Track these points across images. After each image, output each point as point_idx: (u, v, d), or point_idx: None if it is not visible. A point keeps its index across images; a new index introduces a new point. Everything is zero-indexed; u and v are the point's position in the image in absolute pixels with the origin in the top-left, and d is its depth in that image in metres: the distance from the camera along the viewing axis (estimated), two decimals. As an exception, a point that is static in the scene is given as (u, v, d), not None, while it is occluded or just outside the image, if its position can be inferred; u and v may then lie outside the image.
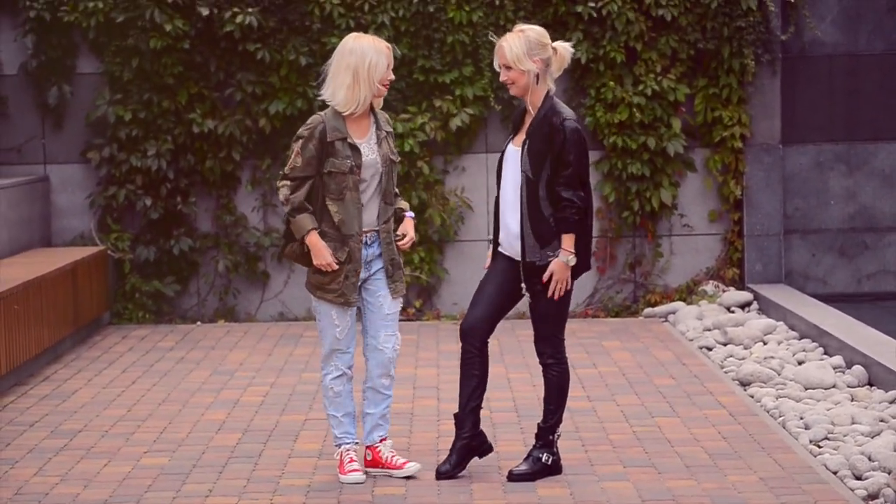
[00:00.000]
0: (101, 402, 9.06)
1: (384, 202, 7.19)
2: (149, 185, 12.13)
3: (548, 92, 7.05)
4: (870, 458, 7.20)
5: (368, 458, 7.31)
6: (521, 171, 7.00)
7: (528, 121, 7.05)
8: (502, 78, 7.04)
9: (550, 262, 7.00)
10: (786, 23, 12.39)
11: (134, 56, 12.08)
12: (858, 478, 7.03)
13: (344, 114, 7.07)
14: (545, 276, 6.99)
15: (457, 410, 7.25)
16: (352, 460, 7.16)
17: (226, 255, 12.30)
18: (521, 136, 7.05)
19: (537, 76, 7.00)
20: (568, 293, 7.12)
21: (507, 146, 7.13)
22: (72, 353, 10.75)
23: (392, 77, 7.13)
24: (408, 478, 7.21)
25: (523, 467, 7.15)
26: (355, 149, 7.07)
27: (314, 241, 7.07)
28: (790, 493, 6.79)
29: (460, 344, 7.25)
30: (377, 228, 7.18)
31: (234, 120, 12.13)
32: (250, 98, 12.16)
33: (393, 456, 7.31)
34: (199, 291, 12.42)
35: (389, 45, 7.18)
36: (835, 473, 7.14)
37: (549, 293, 7.01)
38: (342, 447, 7.20)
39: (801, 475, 7.09)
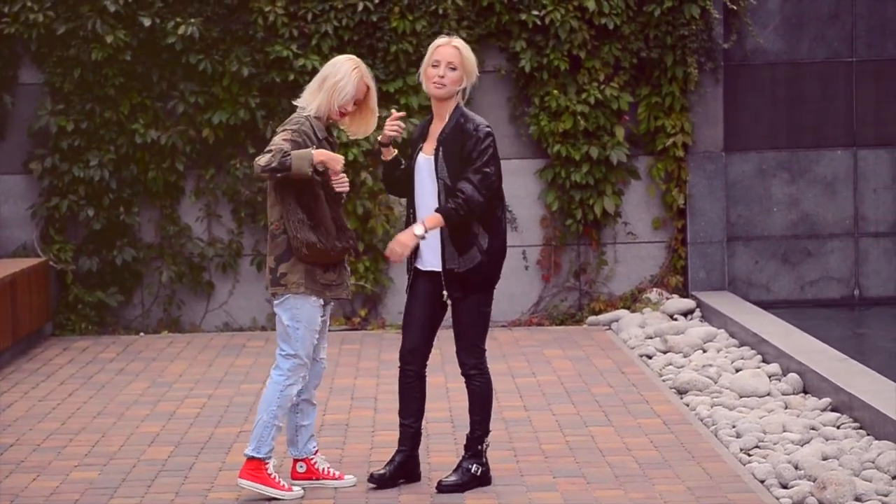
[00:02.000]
0: (36, 416, 9.01)
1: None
2: (91, 195, 12.09)
3: (458, 103, 7.08)
4: (796, 467, 7.23)
5: (301, 470, 7.29)
6: (439, 178, 7.01)
7: (437, 129, 7.08)
8: (440, 73, 6.99)
9: (471, 268, 7.00)
10: (728, 31, 12.45)
11: (76, 66, 12.04)
12: (784, 486, 7.06)
13: (316, 115, 7.08)
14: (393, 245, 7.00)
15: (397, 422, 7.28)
16: (279, 476, 7.12)
17: (169, 265, 12.27)
18: (432, 145, 7.07)
19: (463, 89, 7.05)
20: (489, 304, 7.11)
21: (416, 156, 7.13)
22: (10, 365, 10.69)
23: (350, 109, 7.11)
24: (335, 489, 7.20)
25: (452, 478, 7.15)
26: (335, 147, 7.16)
27: (322, 153, 6.96)
28: (716, 502, 6.82)
29: (399, 366, 7.26)
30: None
31: (176, 130, 12.11)
32: (193, 108, 12.13)
33: (328, 467, 7.31)
34: (143, 302, 12.38)
35: (370, 83, 7.13)
36: (762, 482, 7.17)
37: (386, 253, 7.01)
38: (272, 462, 7.14)
39: (728, 484, 7.11)
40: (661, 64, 12.27)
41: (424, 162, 7.09)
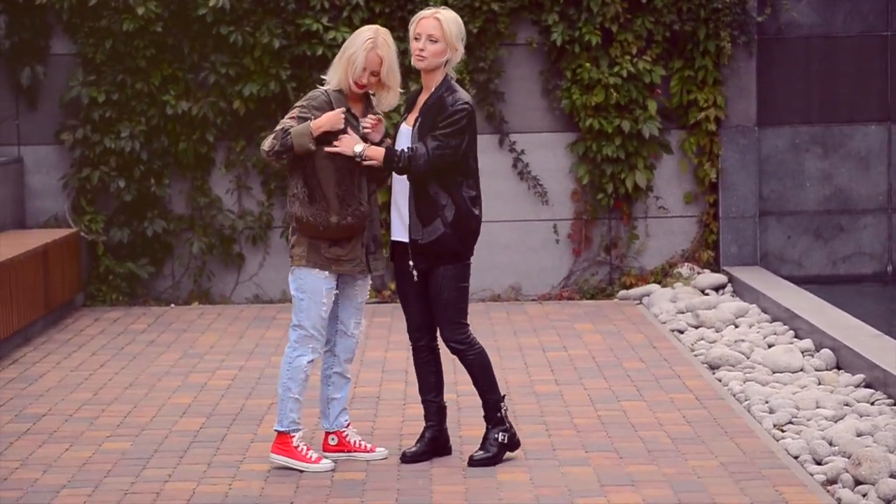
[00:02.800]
0: (68, 386, 9.03)
1: (368, 179, 7.16)
2: (122, 166, 12.09)
3: (446, 75, 7.02)
4: (830, 443, 7.20)
5: (333, 442, 7.29)
6: (409, 147, 6.97)
7: (422, 100, 7.05)
8: (420, 46, 6.95)
9: (433, 239, 6.96)
10: (762, 4, 12.35)
11: (107, 37, 12.03)
12: (819, 462, 7.03)
13: (335, 88, 7.05)
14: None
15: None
16: (309, 448, 7.12)
17: (200, 237, 12.27)
18: (414, 115, 7.04)
19: (448, 60, 6.98)
20: (464, 279, 7.07)
21: (399, 126, 7.10)
22: (42, 335, 10.71)
23: (365, 81, 7.05)
24: (367, 462, 7.20)
25: (482, 453, 7.14)
26: (357, 120, 7.07)
27: (319, 120, 6.92)
28: (749, 477, 6.79)
29: (410, 344, 7.26)
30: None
31: (207, 102, 12.09)
32: (224, 80, 12.11)
33: (360, 440, 7.31)
34: (173, 273, 12.39)
35: (383, 53, 7.04)
36: (796, 458, 7.13)
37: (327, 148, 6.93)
38: (298, 434, 7.13)
39: (762, 460, 7.08)
40: (694, 37, 12.19)
41: (405, 130, 7.06)
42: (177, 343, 10.43)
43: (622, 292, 12.14)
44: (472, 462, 7.09)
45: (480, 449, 7.17)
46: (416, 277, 7.04)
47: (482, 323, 10.99)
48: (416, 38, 7.00)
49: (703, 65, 12.20)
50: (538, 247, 12.44)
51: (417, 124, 6.97)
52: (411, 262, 7.02)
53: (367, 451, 7.27)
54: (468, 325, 7.15)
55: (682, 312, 11.05)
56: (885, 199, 12.64)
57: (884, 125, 12.61)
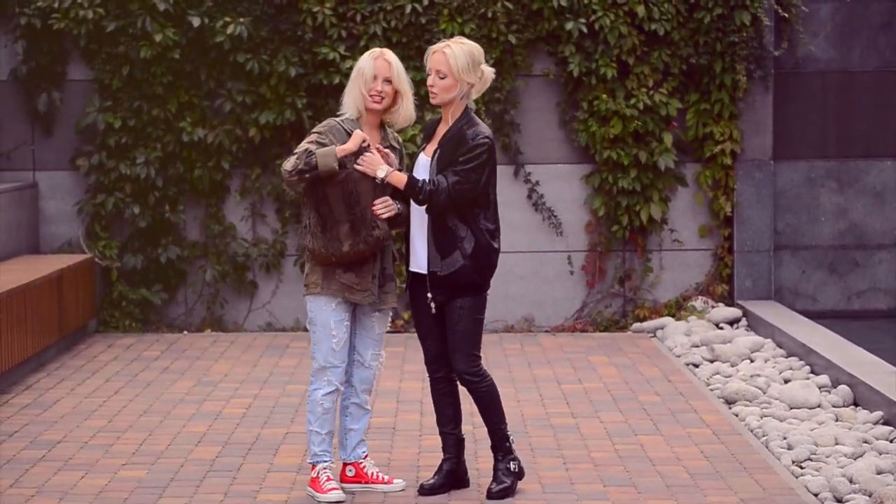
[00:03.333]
0: (83, 413, 9.01)
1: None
2: (137, 192, 12.09)
3: (466, 107, 7.01)
4: (851, 481, 7.16)
5: (350, 474, 7.27)
6: (430, 180, 6.96)
7: (441, 131, 7.03)
8: (430, 83, 6.95)
9: (452, 271, 6.94)
10: (779, 38, 12.36)
11: (124, 64, 12.05)
12: (839, 500, 6.99)
13: (351, 117, 7.04)
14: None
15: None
16: (329, 479, 7.10)
17: (213, 264, 12.26)
18: (433, 146, 7.01)
19: (465, 93, 6.97)
20: (480, 311, 7.05)
21: (418, 156, 7.08)
22: (56, 361, 10.70)
23: (379, 89, 7.06)
24: (384, 494, 7.17)
25: (497, 485, 7.09)
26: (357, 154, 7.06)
27: (347, 145, 6.90)
28: (770, 515, 6.76)
29: (427, 376, 7.23)
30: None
31: (223, 129, 12.10)
32: (240, 108, 12.12)
33: (378, 472, 7.29)
34: (186, 300, 12.38)
35: (390, 59, 7.07)
36: (816, 496, 7.10)
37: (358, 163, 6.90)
38: (320, 465, 7.13)
39: (782, 497, 7.04)
40: (711, 70, 12.19)
41: (423, 162, 7.04)
42: (190, 370, 10.41)
43: (636, 325, 12.11)
44: (491, 495, 7.06)
45: (494, 481, 7.14)
46: (433, 309, 7.01)
47: (496, 354, 10.96)
48: (428, 73, 7.00)
49: (720, 98, 12.20)
50: (552, 278, 12.42)
51: (436, 156, 6.95)
52: (429, 294, 6.99)
53: (385, 483, 7.25)
54: (481, 357, 7.13)
55: (697, 346, 11.02)
56: (901, 235, 12.64)
57: (899, 161, 12.62)
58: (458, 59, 6.91)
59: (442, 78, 6.93)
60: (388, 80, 7.05)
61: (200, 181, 12.17)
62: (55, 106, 12.22)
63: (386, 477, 7.28)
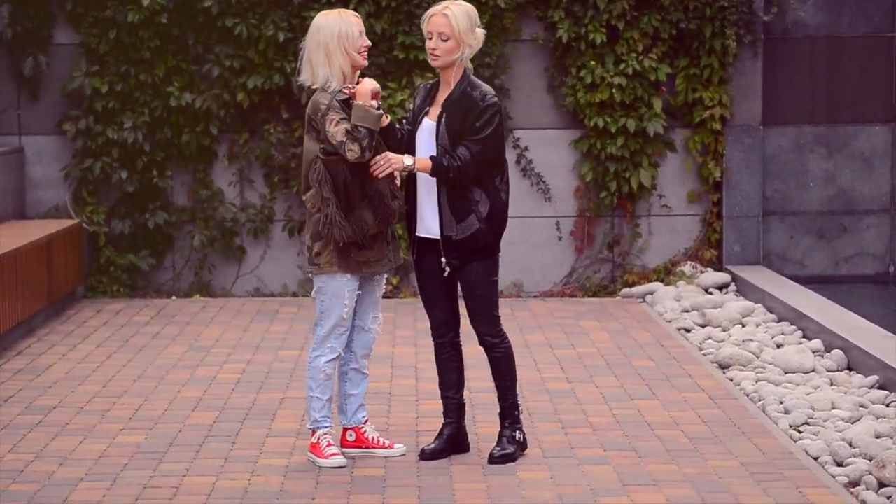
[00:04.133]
0: (76, 378, 8.97)
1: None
2: (125, 158, 12.02)
3: (465, 69, 6.97)
4: (850, 445, 7.18)
5: (351, 438, 7.25)
6: (439, 144, 6.90)
7: (442, 95, 6.98)
8: (432, 46, 6.88)
9: (468, 235, 6.93)
10: (769, 3, 12.33)
11: (111, 28, 11.96)
12: (839, 464, 7.00)
13: (338, 87, 6.95)
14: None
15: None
16: (329, 444, 7.08)
17: (201, 229, 12.21)
18: (437, 110, 6.95)
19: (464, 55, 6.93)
20: (496, 273, 7.05)
21: (421, 120, 7.00)
22: (45, 327, 10.65)
23: (367, 43, 7.02)
24: (385, 458, 7.16)
25: (501, 450, 7.10)
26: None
27: (361, 88, 6.80)
28: (771, 478, 6.76)
29: (433, 341, 7.21)
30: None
31: (211, 94, 12.03)
32: (228, 72, 12.05)
33: (378, 437, 7.27)
34: (174, 266, 12.33)
35: (356, 13, 7.07)
36: (815, 459, 7.12)
37: (372, 168, 6.85)
38: (320, 430, 7.12)
39: (782, 461, 7.06)
40: (700, 35, 12.17)
41: (428, 126, 6.98)
42: (181, 336, 10.38)
43: (625, 290, 12.12)
44: (493, 459, 7.06)
45: (498, 446, 7.14)
46: (446, 273, 6.99)
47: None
48: (428, 37, 6.94)
49: (709, 63, 12.18)
50: (541, 243, 12.40)
51: (443, 119, 6.91)
52: (443, 259, 6.97)
53: (386, 448, 7.24)
54: (499, 316, 7.12)
55: (688, 311, 11.03)
56: (889, 200, 12.65)
57: (888, 126, 12.61)
58: (459, 20, 6.88)
59: (445, 40, 6.88)
60: (363, 32, 7.02)
61: (188, 146, 12.10)
62: (41, 70, 12.13)
63: (387, 442, 7.28)
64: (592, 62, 12.11)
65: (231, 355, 9.69)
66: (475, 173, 6.88)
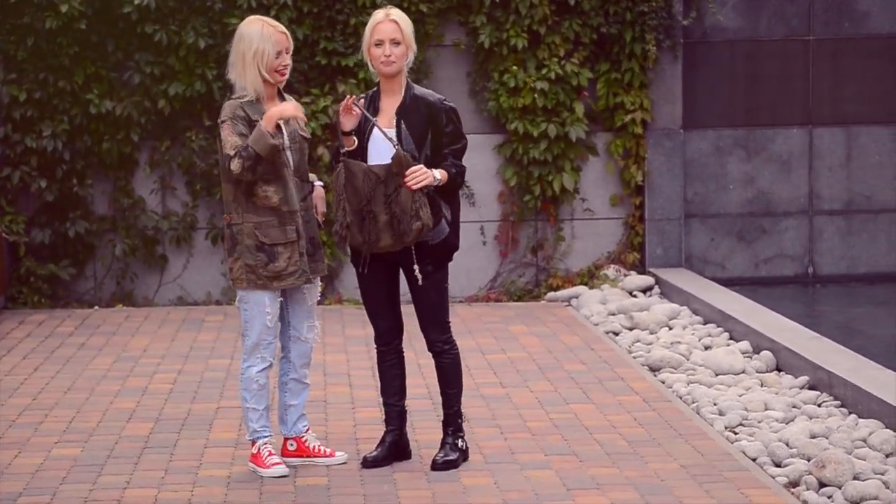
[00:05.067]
0: (5, 390, 8.85)
1: (299, 179, 7.09)
2: (44, 166, 11.88)
3: (406, 77, 7.02)
4: (787, 445, 7.26)
5: (292, 448, 7.21)
6: (405, 150, 6.88)
7: (390, 104, 6.97)
8: (386, 52, 6.87)
9: (441, 239, 6.95)
10: (688, 7, 12.45)
11: (29, 35, 11.82)
12: (778, 465, 7.08)
13: (251, 99, 6.93)
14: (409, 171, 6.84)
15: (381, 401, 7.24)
16: (271, 454, 7.05)
17: (123, 238, 12.09)
18: (388, 117, 6.96)
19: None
20: (447, 279, 7.11)
21: (370, 131, 6.97)
22: (-32, 339, 10.51)
23: (286, 62, 6.97)
24: (327, 467, 7.13)
25: (444, 456, 7.10)
26: (279, 127, 6.96)
27: (267, 118, 6.79)
28: (712, 480, 6.82)
29: (375, 347, 7.21)
30: (297, 205, 7.06)
31: (132, 101, 11.92)
32: (149, 79, 11.95)
33: (319, 445, 7.25)
34: (95, 275, 12.21)
35: (283, 30, 6.98)
36: (754, 460, 7.19)
37: (407, 179, 6.83)
38: (260, 440, 7.08)
39: (721, 462, 7.13)
40: (621, 40, 12.26)
41: (379, 134, 6.95)
42: (108, 346, 10.27)
43: (550, 294, 12.17)
44: (436, 466, 7.06)
45: (441, 452, 7.14)
46: (420, 281, 6.97)
47: (415, 324, 10.91)
48: (377, 45, 6.92)
49: (630, 67, 12.27)
50: (465, 248, 12.35)
51: (403, 127, 6.89)
52: (416, 267, 6.96)
53: (327, 456, 7.21)
54: (450, 324, 7.14)
55: (614, 314, 11.10)
56: (807, 202, 12.81)
57: (805, 129, 12.78)
58: (405, 25, 6.92)
59: (397, 44, 6.89)
60: (288, 51, 6.99)
61: (109, 154, 11.99)
62: (-43, 78, 11.97)
63: (328, 450, 7.25)
64: (514, 67, 12.16)
65: (161, 365, 9.61)
66: (464, 174, 7.03)
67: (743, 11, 12.68)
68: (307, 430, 7.25)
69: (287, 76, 7.01)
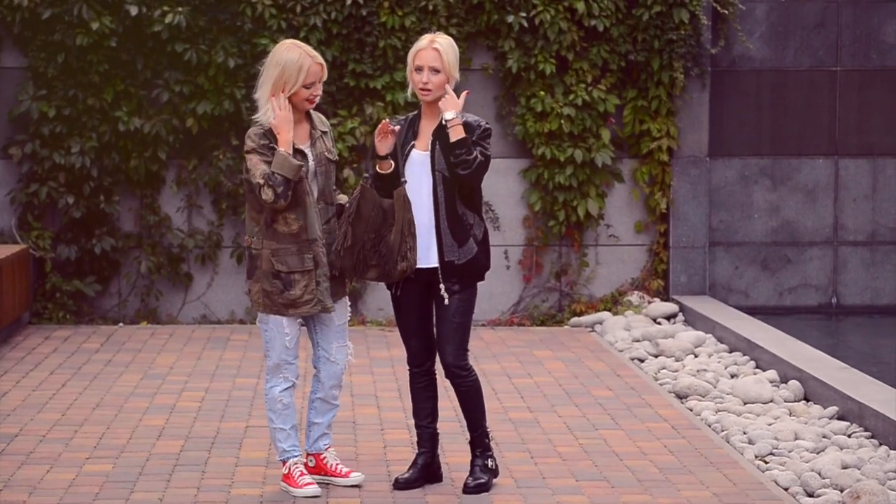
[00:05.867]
0: (34, 406, 8.86)
1: (324, 202, 7.11)
2: (72, 182, 11.92)
3: None
4: (820, 475, 7.25)
5: (311, 464, 7.21)
6: (436, 170, 6.93)
7: (429, 126, 7.00)
8: (424, 80, 6.92)
9: (469, 259, 6.96)
10: (716, 36, 12.48)
11: (60, 52, 11.86)
12: (811, 495, 7.08)
13: (267, 124, 6.95)
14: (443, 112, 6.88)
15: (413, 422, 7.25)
16: (303, 473, 7.05)
17: (148, 255, 12.12)
18: (426, 140, 6.99)
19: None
20: (473, 305, 7.11)
21: (408, 154, 7.01)
22: (-5, 353, 10.53)
23: (318, 93, 6.98)
24: (356, 486, 7.14)
25: (475, 480, 7.09)
26: (303, 154, 7.00)
27: (280, 137, 6.83)
28: (745, 509, 6.83)
29: (408, 369, 7.22)
30: (319, 233, 7.07)
31: (160, 119, 11.96)
32: (177, 98, 11.99)
33: (337, 464, 7.25)
34: (120, 292, 12.23)
35: (321, 60, 7.01)
36: (786, 490, 7.18)
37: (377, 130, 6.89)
38: (290, 460, 7.08)
39: (754, 491, 7.12)
40: (649, 67, 12.29)
41: (419, 158, 7.01)
42: (134, 363, 10.29)
43: (574, 319, 12.17)
44: (467, 489, 7.06)
45: (471, 476, 7.14)
46: (446, 301, 6.99)
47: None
48: (417, 70, 6.96)
49: (657, 95, 12.29)
50: (489, 272, 12.38)
51: (436, 148, 6.92)
52: (442, 286, 6.97)
53: (343, 476, 7.18)
54: (469, 352, 7.14)
55: (639, 341, 11.10)
56: (831, 232, 12.82)
57: (831, 159, 12.80)
58: (447, 53, 6.93)
59: (436, 72, 6.92)
60: (321, 80, 7.01)
61: (136, 171, 12.02)
62: (-13, 93, 12.02)
63: (345, 470, 7.21)
64: (542, 92, 12.19)
65: (188, 383, 9.62)
66: (480, 172, 6.90)
67: (770, 41, 12.71)
68: (328, 447, 7.23)
69: (316, 104, 7.05)
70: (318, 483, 7.09)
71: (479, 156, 6.88)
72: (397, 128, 6.99)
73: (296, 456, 7.09)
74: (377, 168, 7.00)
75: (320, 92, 7.01)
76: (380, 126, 6.94)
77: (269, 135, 6.93)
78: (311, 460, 7.24)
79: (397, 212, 6.93)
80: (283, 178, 6.82)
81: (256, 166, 6.88)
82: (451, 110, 6.90)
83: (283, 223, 6.93)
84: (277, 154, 6.84)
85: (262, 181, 6.83)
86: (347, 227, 6.97)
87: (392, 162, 6.99)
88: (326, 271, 7.02)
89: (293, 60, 6.90)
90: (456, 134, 6.87)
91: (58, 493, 6.97)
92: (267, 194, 6.82)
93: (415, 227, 6.94)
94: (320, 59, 6.99)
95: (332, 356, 7.21)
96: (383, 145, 6.95)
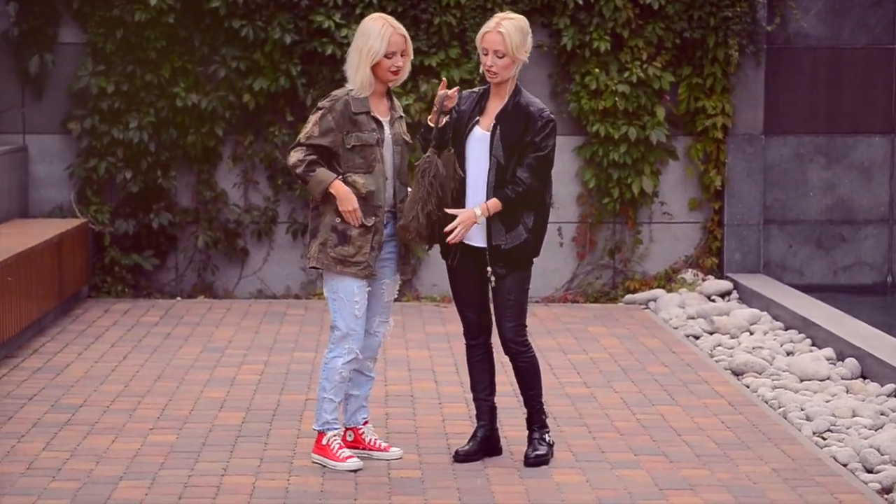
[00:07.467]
0: (97, 377, 8.98)
1: (399, 181, 7.17)
2: (130, 157, 12.03)
3: (516, 84, 7.08)
4: (879, 451, 7.27)
5: (349, 438, 7.25)
6: (493, 155, 6.98)
7: (495, 106, 7.05)
8: (489, 64, 6.98)
9: (516, 245, 7.00)
10: (772, 14, 12.46)
11: (118, 27, 11.96)
12: (870, 471, 7.10)
13: (359, 95, 7.02)
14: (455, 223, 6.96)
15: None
16: (341, 447, 7.08)
17: (205, 230, 12.22)
18: (489, 121, 7.03)
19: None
20: (528, 281, 7.18)
21: (470, 129, 7.06)
22: (56, 326, 10.64)
23: (399, 64, 7.04)
24: (419, 460, 7.20)
25: (535, 452, 7.16)
26: (379, 123, 7.06)
27: (340, 188, 6.95)
28: (805, 484, 6.85)
29: (464, 342, 7.28)
30: (393, 209, 7.14)
31: (217, 95, 12.04)
32: (234, 74, 12.07)
33: (375, 439, 7.29)
34: (177, 266, 12.34)
35: (403, 32, 7.06)
36: (844, 465, 7.21)
37: (450, 238, 6.97)
38: (330, 432, 7.12)
39: (812, 467, 7.15)
40: (704, 45, 12.27)
41: (480, 136, 7.05)
42: (193, 337, 10.39)
43: (628, 296, 12.20)
44: (528, 461, 7.12)
45: (530, 447, 7.20)
46: (493, 283, 7.04)
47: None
48: (484, 53, 7.01)
49: (712, 72, 12.28)
50: (543, 249, 12.40)
51: (498, 132, 6.97)
52: (489, 268, 7.03)
53: (382, 450, 7.23)
54: (526, 325, 7.19)
55: (693, 318, 11.12)
56: (887, 211, 12.79)
57: (887, 137, 12.76)
58: (513, 37, 6.96)
59: (500, 57, 6.96)
60: (404, 53, 7.06)
61: (193, 147, 12.11)
62: (46, 69, 12.11)
63: (384, 444, 7.28)
64: (596, 69, 12.20)
65: (247, 356, 9.72)
66: (540, 188, 6.99)
67: (826, 19, 12.67)
68: (365, 422, 7.28)
69: (401, 77, 7.08)
70: (389, 460, 7.16)
71: (523, 191, 6.91)
72: (456, 89, 7.05)
73: (336, 428, 7.12)
74: (429, 121, 7.05)
75: (402, 65, 7.04)
76: (454, 89, 6.99)
77: (353, 101, 6.97)
78: (349, 434, 7.27)
79: (442, 170, 6.96)
80: (306, 181, 6.98)
81: (309, 127, 7.00)
82: (475, 210, 6.94)
83: (352, 183, 6.99)
84: (325, 173, 6.95)
85: (295, 162, 6.94)
86: (434, 195, 6.98)
87: (445, 119, 7.03)
88: (382, 240, 7.06)
89: (375, 30, 6.98)
90: (496, 210, 6.94)
91: (124, 462, 7.08)
92: (293, 158, 6.99)
93: (448, 195, 6.97)
94: (403, 31, 7.04)
95: (372, 328, 7.25)
96: (450, 103, 6.99)
